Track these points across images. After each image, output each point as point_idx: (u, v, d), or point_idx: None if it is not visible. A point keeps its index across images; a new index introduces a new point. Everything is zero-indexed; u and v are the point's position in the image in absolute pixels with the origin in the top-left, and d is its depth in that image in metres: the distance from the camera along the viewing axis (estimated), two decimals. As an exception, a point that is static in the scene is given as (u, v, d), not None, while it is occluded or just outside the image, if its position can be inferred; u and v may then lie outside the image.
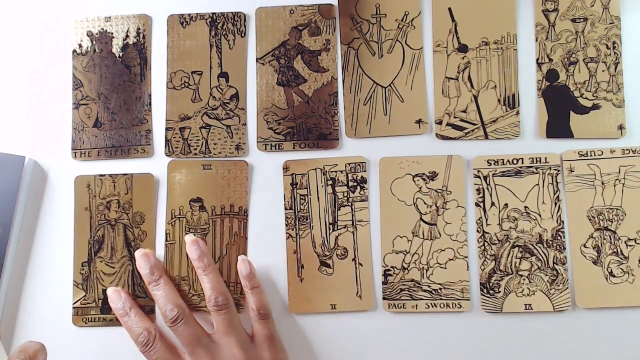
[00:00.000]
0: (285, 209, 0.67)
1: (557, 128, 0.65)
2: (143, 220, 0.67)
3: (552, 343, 0.63)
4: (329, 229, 0.66)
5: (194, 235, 0.65)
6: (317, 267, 0.66)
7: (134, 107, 0.69)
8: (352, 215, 0.66)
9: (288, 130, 0.67)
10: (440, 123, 0.66)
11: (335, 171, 0.66)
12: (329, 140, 0.67)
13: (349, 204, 0.66)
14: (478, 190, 0.65)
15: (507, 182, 0.65)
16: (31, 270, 0.68)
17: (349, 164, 0.66)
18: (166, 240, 0.67)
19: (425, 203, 0.65)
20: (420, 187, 0.65)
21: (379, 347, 0.65)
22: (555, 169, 0.64)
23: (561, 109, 0.65)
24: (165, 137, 0.68)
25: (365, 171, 0.66)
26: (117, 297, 0.63)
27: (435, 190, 0.65)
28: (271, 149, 0.67)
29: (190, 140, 0.68)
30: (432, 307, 0.64)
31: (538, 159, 0.64)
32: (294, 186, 0.67)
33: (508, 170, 0.65)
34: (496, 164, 0.65)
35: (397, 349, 0.64)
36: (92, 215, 0.67)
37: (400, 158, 0.66)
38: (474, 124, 0.66)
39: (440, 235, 0.65)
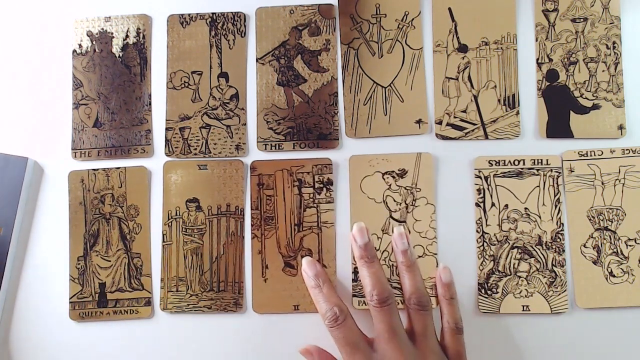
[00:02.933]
0: (252, 209, 0.68)
1: (557, 128, 0.66)
2: (138, 213, 0.69)
3: (551, 343, 0.64)
4: (294, 230, 0.67)
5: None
6: (282, 268, 0.67)
7: (134, 107, 0.70)
8: (318, 217, 0.67)
9: (288, 130, 0.69)
10: (440, 123, 0.67)
11: (302, 172, 0.68)
12: (329, 140, 0.68)
13: (315, 205, 0.67)
14: (479, 190, 0.66)
15: (507, 183, 0.66)
16: (31, 267, 0.70)
17: (316, 165, 0.68)
18: (163, 241, 0.68)
19: (394, 200, 0.67)
20: (390, 185, 0.67)
21: None
22: (556, 171, 0.65)
23: (561, 109, 0.66)
24: (165, 137, 0.70)
25: (331, 173, 0.67)
26: (311, 268, 0.63)
27: (405, 188, 0.67)
28: (271, 149, 0.69)
29: (190, 140, 0.69)
30: (402, 303, 0.65)
31: (539, 161, 0.66)
32: (261, 187, 0.68)
33: (509, 171, 0.66)
34: (497, 164, 0.66)
35: None
36: (87, 210, 0.69)
37: (370, 156, 0.67)
38: (474, 124, 0.67)
39: (409, 232, 0.66)
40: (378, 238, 0.66)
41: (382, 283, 0.60)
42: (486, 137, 0.67)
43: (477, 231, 0.66)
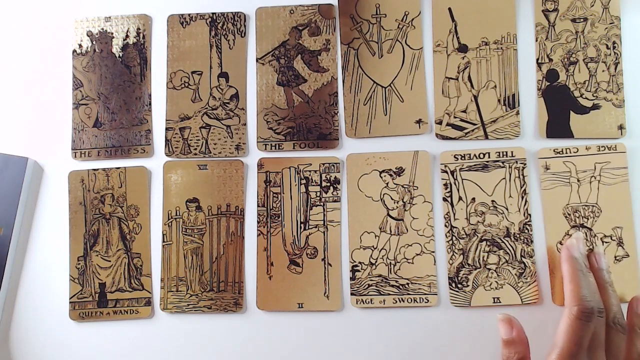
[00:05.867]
0: (258, 206, 0.69)
1: (557, 128, 0.67)
2: (138, 213, 0.69)
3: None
4: (300, 228, 0.68)
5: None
6: (287, 266, 0.68)
7: (134, 107, 0.71)
8: (324, 216, 0.68)
9: (288, 130, 0.69)
10: (440, 123, 0.68)
11: (309, 170, 0.68)
12: (329, 140, 0.69)
13: (321, 204, 0.68)
14: (445, 185, 0.67)
15: (474, 177, 0.67)
16: (31, 267, 0.70)
17: (323, 164, 0.68)
18: (163, 241, 0.69)
19: (392, 199, 0.67)
20: (387, 183, 0.68)
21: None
22: (521, 163, 0.66)
23: (561, 109, 0.67)
24: (165, 137, 0.70)
25: (339, 172, 0.68)
26: (577, 251, 0.62)
27: (402, 186, 0.67)
28: (271, 149, 0.69)
29: (190, 140, 0.70)
30: (400, 302, 0.66)
31: (505, 153, 0.66)
32: (268, 184, 0.69)
33: (475, 165, 0.67)
34: (463, 158, 0.67)
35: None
36: (87, 210, 0.70)
37: (367, 154, 0.68)
38: (474, 124, 0.67)
39: (407, 230, 0.67)
40: (376, 236, 0.67)
41: (598, 296, 0.58)
42: (486, 137, 0.67)
43: (445, 225, 0.66)
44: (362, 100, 0.69)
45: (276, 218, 0.68)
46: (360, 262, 0.67)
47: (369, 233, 0.67)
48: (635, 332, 0.60)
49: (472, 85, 0.68)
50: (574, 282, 0.59)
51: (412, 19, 0.69)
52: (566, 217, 0.66)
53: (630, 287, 0.64)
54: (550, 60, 0.67)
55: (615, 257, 0.65)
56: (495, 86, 0.68)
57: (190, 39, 0.71)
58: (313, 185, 0.68)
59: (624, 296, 0.63)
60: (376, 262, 0.66)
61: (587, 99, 0.66)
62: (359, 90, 0.69)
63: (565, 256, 0.61)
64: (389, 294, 0.66)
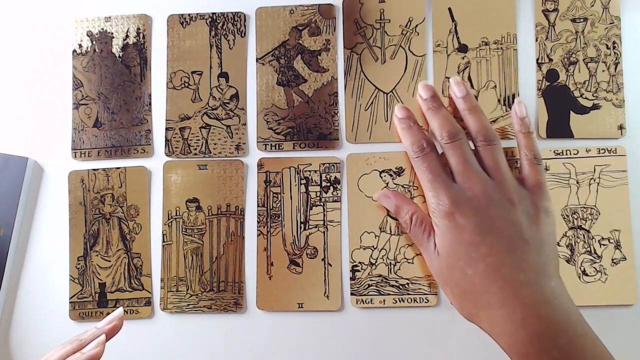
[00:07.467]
0: (258, 206, 0.69)
1: (557, 128, 0.67)
2: (138, 213, 0.70)
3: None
4: (300, 228, 0.68)
5: None
6: (287, 266, 0.68)
7: (134, 107, 0.71)
8: (324, 216, 0.68)
9: (288, 130, 0.69)
10: (440, 123, 0.68)
11: (310, 171, 0.69)
12: (329, 140, 0.69)
13: (321, 204, 0.68)
14: None
15: None
16: (31, 267, 0.71)
17: (323, 164, 0.69)
18: (163, 242, 0.69)
19: None
20: (387, 183, 0.68)
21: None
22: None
23: (561, 109, 0.67)
24: (165, 137, 0.71)
25: (339, 172, 0.68)
26: (402, 111, 0.66)
27: (402, 186, 0.67)
28: (271, 149, 0.69)
29: (190, 140, 0.70)
30: (400, 302, 0.66)
31: (504, 153, 0.66)
32: (268, 184, 0.69)
33: None
34: None
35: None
36: (87, 210, 0.70)
37: (367, 154, 0.68)
38: (474, 124, 0.67)
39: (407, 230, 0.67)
40: (376, 236, 0.67)
41: (451, 122, 0.62)
42: (486, 137, 0.67)
43: None
44: (364, 105, 0.69)
45: (276, 218, 0.68)
46: (360, 262, 0.67)
47: (369, 233, 0.67)
48: (521, 135, 0.63)
49: (472, 86, 0.68)
50: (402, 139, 0.65)
51: (416, 26, 0.69)
52: (564, 218, 0.66)
53: (627, 290, 0.65)
54: (550, 60, 0.68)
55: (612, 259, 0.65)
56: (495, 86, 0.68)
57: (190, 39, 0.71)
58: (313, 185, 0.68)
59: (621, 299, 0.64)
60: (376, 262, 0.67)
61: (587, 99, 0.67)
62: (361, 95, 0.69)
63: (396, 122, 0.66)
64: (389, 294, 0.66)
